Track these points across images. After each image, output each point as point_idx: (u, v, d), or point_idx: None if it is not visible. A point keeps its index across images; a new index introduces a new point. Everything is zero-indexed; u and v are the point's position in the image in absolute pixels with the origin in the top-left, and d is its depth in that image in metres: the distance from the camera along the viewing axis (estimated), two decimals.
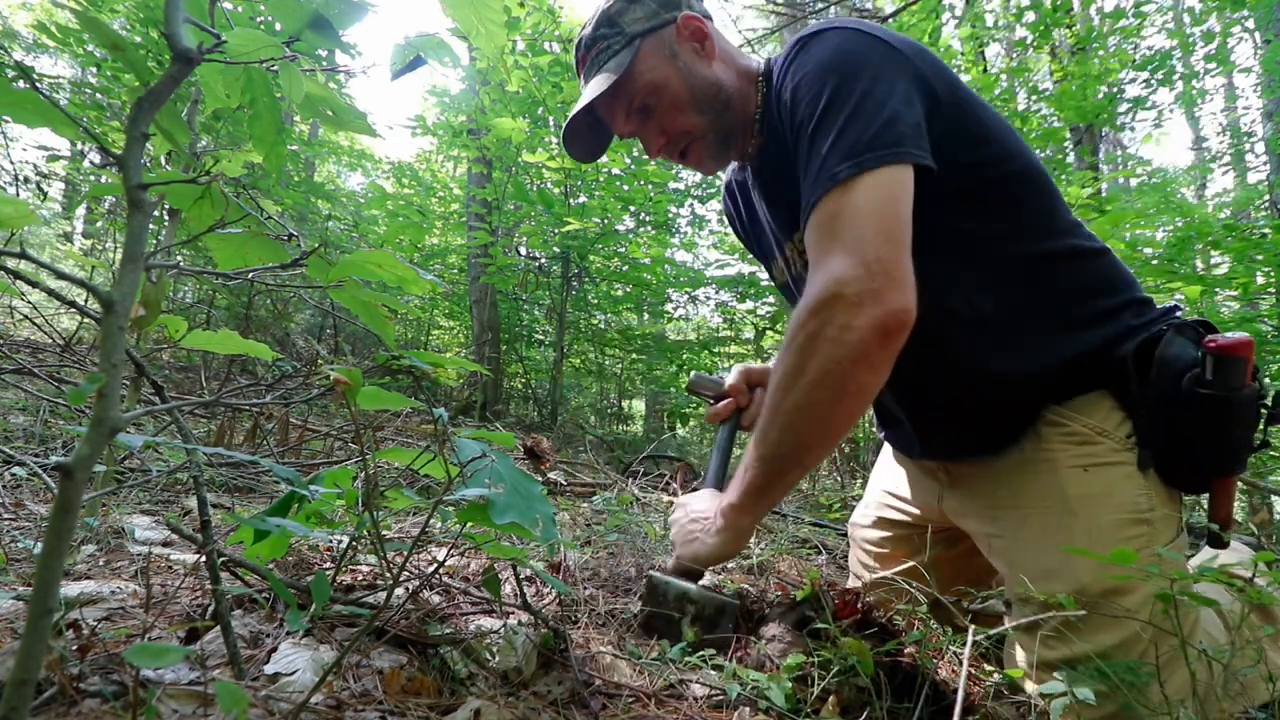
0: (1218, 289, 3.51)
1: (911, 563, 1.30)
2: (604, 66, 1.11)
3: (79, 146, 5.93)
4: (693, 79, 1.10)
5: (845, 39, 0.97)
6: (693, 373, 1.37)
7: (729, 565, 1.41)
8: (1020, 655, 1.01)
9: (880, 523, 1.39)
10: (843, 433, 0.98)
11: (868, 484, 1.50)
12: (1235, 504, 1.00)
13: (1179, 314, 1.07)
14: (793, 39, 1.03)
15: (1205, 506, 1.06)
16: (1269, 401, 0.98)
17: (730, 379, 1.30)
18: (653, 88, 1.10)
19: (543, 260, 5.63)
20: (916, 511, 1.32)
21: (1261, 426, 0.99)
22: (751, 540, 1.76)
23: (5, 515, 1.28)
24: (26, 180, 4.58)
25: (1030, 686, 0.97)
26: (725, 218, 1.44)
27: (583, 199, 5.13)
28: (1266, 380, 1.02)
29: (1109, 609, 0.92)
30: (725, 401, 1.28)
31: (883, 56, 0.95)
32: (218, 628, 0.71)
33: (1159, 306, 1.10)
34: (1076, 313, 1.04)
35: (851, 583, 1.42)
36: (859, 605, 1.02)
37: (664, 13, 1.11)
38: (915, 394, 1.15)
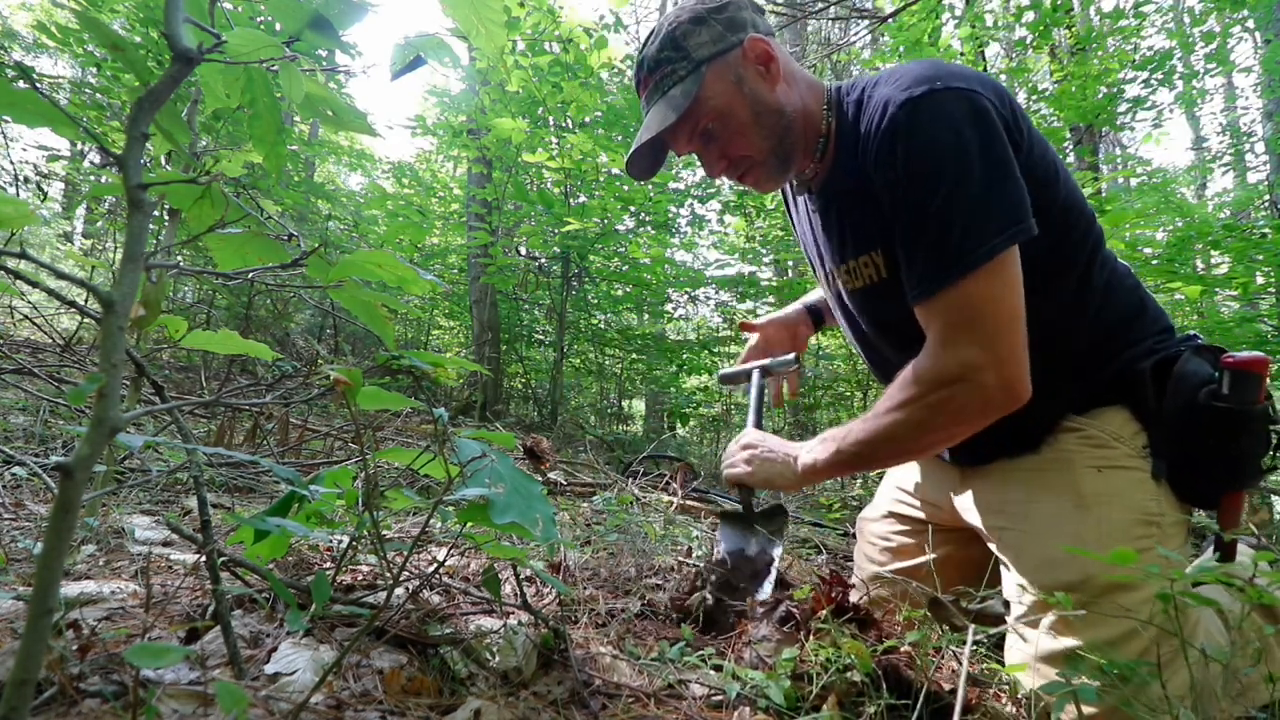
0: (1218, 289, 3.51)
1: (918, 559, 1.31)
2: (668, 93, 1.10)
3: (79, 146, 5.94)
4: (757, 104, 1.10)
5: (955, 114, 0.96)
6: (720, 370, 1.59)
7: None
8: (1022, 647, 1.02)
9: (892, 517, 1.40)
10: (941, 446, 1.14)
11: (883, 480, 1.52)
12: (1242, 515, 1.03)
13: (1198, 340, 1.11)
14: (898, 94, 0.99)
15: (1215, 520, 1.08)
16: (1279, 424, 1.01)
17: (752, 339, 1.54)
18: (717, 114, 1.10)
19: (543, 260, 5.63)
20: (929, 508, 1.34)
21: (1272, 448, 1.02)
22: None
23: (5, 515, 1.28)
24: (26, 180, 4.58)
25: (1028, 680, 0.97)
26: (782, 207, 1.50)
27: (583, 199, 5.13)
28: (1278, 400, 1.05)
29: (1112, 603, 0.93)
30: (759, 342, 1.52)
31: (990, 123, 0.96)
32: (218, 628, 0.71)
33: (1180, 335, 1.14)
34: (1113, 345, 1.09)
35: (856, 578, 1.42)
36: (832, 595, 1.03)
37: (730, 35, 1.09)
38: None
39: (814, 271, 1.35)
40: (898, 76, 1.03)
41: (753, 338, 1.58)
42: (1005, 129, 0.97)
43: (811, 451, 1.16)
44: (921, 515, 1.35)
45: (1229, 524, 1.03)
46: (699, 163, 1.22)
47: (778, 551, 1.22)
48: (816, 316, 1.56)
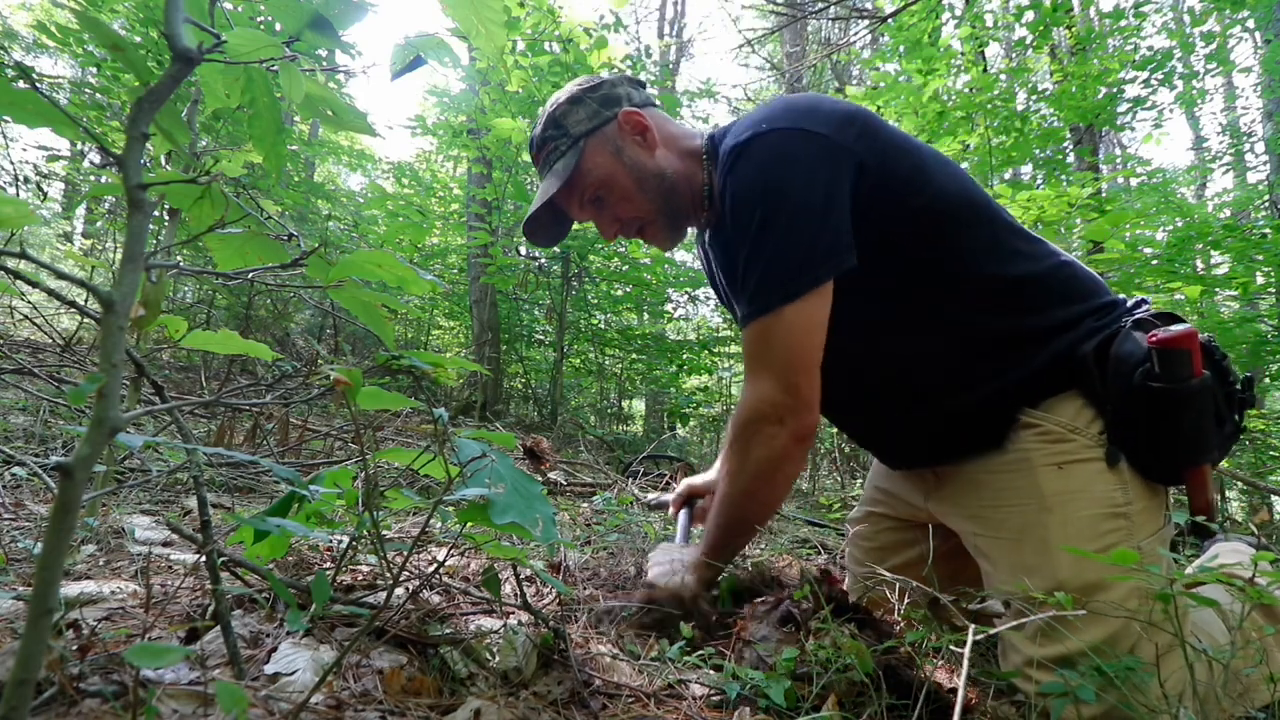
0: (1218, 289, 3.51)
1: (900, 558, 1.32)
2: (554, 167, 1.20)
3: (79, 146, 5.93)
4: (637, 170, 1.18)
5: (772, 149, 1.03)
6: (648, 497, 1.72)
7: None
8: (1012, 655, 1.02)
9: (872, 517, 1.41)
10: (777, 506, 1.25)
11: (866, 481, 1.52)
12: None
13: (1145, 308, 1.09)
14: (731, 140, 1.08)
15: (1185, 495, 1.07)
16: (1238, 387, 1.00)
17: (676, 493, 1.56)
18: (601, 183, 1.19)
19: (543, 260, 5.63)
20: (905, 507, 1.34)
21: (1233, 413, 1.01)
22: (751, 540, 1.78)
23: (5, 515, 1.28)
24: (26, 180, 4.58)
25: (1024, 685, 0.97)
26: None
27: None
28: (1237, 369, 1.03)
29: (1091, 605, 0.92)
30: (675, 500, 1.55)
31: (808, 162, 1.02)
32: (218, 628, 0.71)
33: (1128, 302, 1.12)
34: (1034, 331, 1.08)
35: (848, 580, 1.42)
36: (829, 593, 1.03)
37: (605, 111, 1.19)
38: (888, 427, 1.23)
39: (731, 313, 1.41)
40: (740, 123, 1.12)
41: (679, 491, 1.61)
42: (839, 158, 1.02)
43: (702, 546, 1.19)
44: (898, 514, 1.36)
45: (1199, 499, 1.02)
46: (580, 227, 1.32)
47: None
48: None
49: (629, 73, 5.56)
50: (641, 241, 1.31)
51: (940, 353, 1.09)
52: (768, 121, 1.05)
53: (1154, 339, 0.96)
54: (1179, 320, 1.03)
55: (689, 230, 1.31)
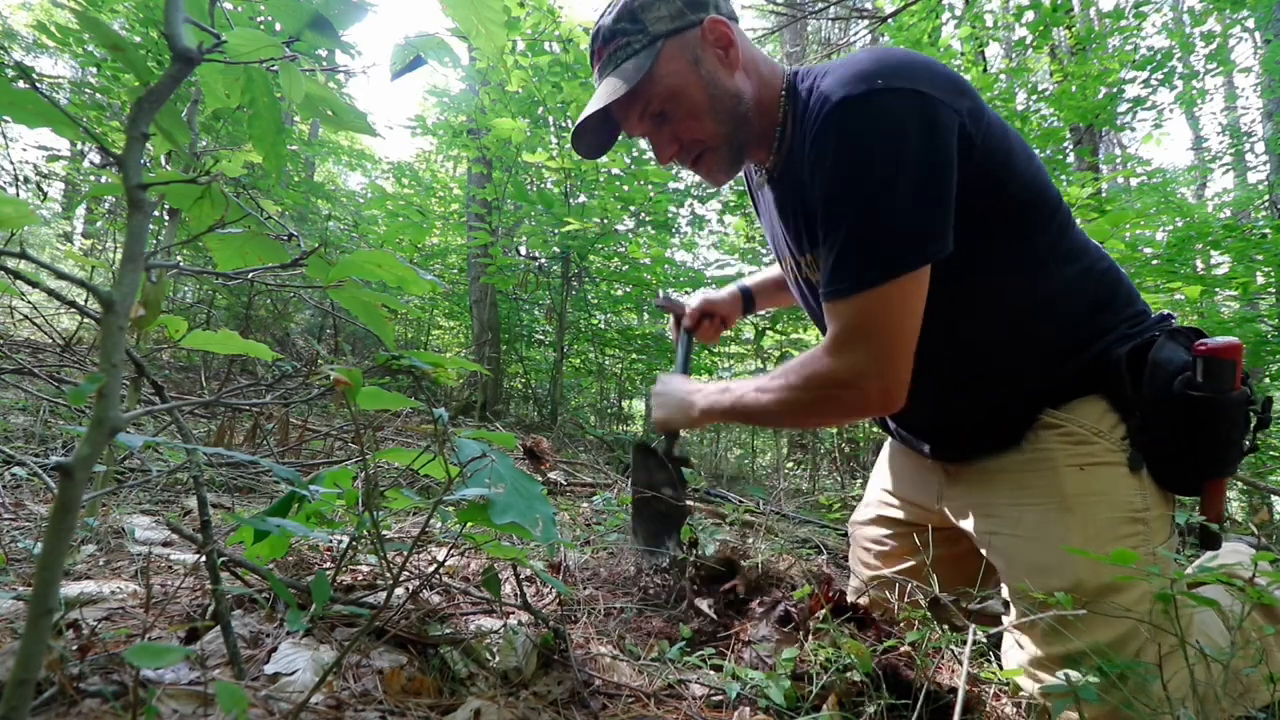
0: (1218, 289, 3.51)
1: (912, 561, 1.31)
2: (621, 65, 1.06)
3: (79, 146, 5.93)
4: (714, 88, 1.06)
5: (890, 112, 0.93)
6: (660, 293, 1.69)
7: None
8: (1018, 652, 1.02)
9: (879, 520, 1.40)
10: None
11: (869, 481, 1.52)
12: (1232, 504, 1.03)
13: (1173, 322, 1.09)
14: (837, 89, 0.96)
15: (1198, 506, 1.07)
16: (1259, 407, 1.00)
17: (691, 303, 1.61)
18: (672, 94, 1.06)
19: (543, 260, 5.63)
20: (916, 510, 1.33)
21: (1251, 430, 1.01)
22: (753, 539, 1.77)
23: (5, 515, 1.28)
24: (26, 180, 4.58)
25: (1027, 684, 0.97)
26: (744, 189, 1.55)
27: (583, 199, 5.13)
28: (1256, 385, 1.04)
29: (1105, 606, 0.93)
30: (691, 315, 1.60)
31: (927, 130, 0.93)
32: (218, 628, 0.71)
33: (1154, 314, 1.12)
34: (1085, 329, 1.07)
35: (852, 581, 1.42)
36: (829, 594, 1.04)
37: (690, 13, 1.05)
38: (925, 410, 1.18)
39: (779, 262, 1.35)
40: (842, 69, 1.00)
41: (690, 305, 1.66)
42: (953, 128, 0.94)
43: (710, 396, 1.23)
44: (910, 518, 1.34)
45: (1213, 511, 1.02)
46: (650, 148, 1.19)
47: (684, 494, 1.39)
48: (748, 300, 1.62)
49: None
50: (691, 170, 1.19)
51: (992, 342, 1.07)
52: (882, 77, 0.94)
53: (1203, 348, 0.97)
54: (1205, 335, 1.04)
55: (743, 168, 1.23)
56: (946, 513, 1.23)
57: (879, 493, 1.42)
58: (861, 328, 0.99)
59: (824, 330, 1.26)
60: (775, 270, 1.59)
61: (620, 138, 1.22)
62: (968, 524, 1.17)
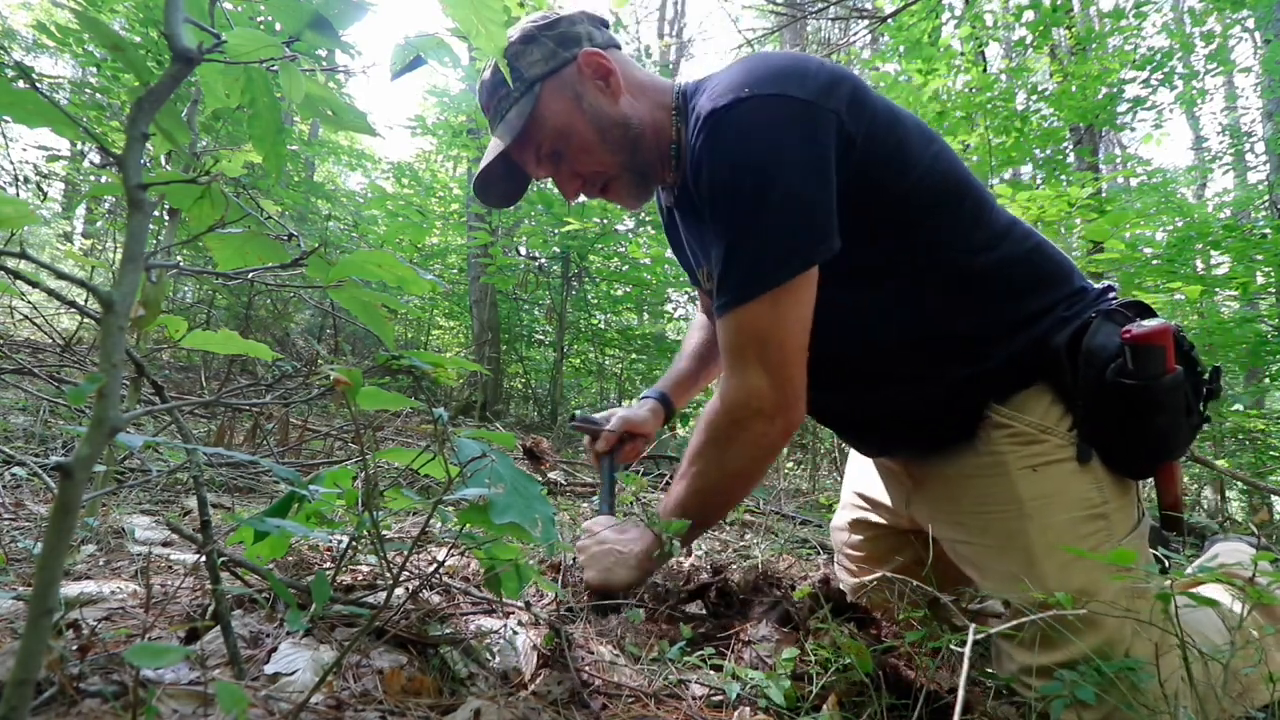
0: (1218, 289, 3.51)
1: (893, 564, 1.30)
2: (506, 116, 1.07)
3: (79, 146, 5.93)
4: (599, 119, 1.07)
5: (757, 122, 0.94)
6: (577, 411, 1.51)
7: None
8: (1006, 662, 1.01)
9: (855, 525, 1.38)
10: (739, 504, 1.21)
11: (843, 484, 1.50)
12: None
13: (1113, 295, 1.06)
14: (707, 103, 0.97)
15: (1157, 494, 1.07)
16: (1206, 378, 0.98)
17: (612, 425, 1.41)
18: (559, 132, 1.07)
19: (543, 260, 5.63)
20: (888, 513, 1.31)
21: (1202, 403, 0.99)
22: (753, 539, 1.77)
23: (5, 515, 1.28)
24: (26, 180, 4.58)
25: (1021, 690, 0.97)
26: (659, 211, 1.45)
27: (583, 199, 5.12)
28: (1200, 355, 1.01)
29: (1084, 608, 0.91)
30: (606, 439, 1.40)
31: (795, 136, 0.93)
32: (218, 628, 0.71)
33: (1095, 288, 1.09)
34: (1010, 318, 1.04)
35: (842, 583, 1.41)
36: (831, 589, 1.04)
37: (562, 51, 1.06)
38: (859, 409, 1.18)
39: (691, 280, 1.33)
40: (714, 82, 1.01)
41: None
42: (828, 128, 0.93)
43: (646, 540, 1.11)
44: (882, 521, 1.33)
45: (1169, 495, 1.02)
46: (555, 188, 1.20)
47: None
48: (668, 408, 1.48)
49: None
50: (606, 202, 1.21)
51: (914, 335, 1.04)
52: (749, 85, 0.94)
53: (1127, 335, 0.93)
54: (1149, 311, 1.01)
55: (656, 189, 1.21)
56: (915, 519, 1.22)
57: (852, 495, 1.41)
58: (748, 344, 0.99)
59: None
60: (683, 363, 1.51)
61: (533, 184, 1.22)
62: (937, 532, 1.15)
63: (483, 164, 1.10)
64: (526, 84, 1.06)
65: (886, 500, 1.30)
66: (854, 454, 1.46)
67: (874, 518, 1.35)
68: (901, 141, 1.00)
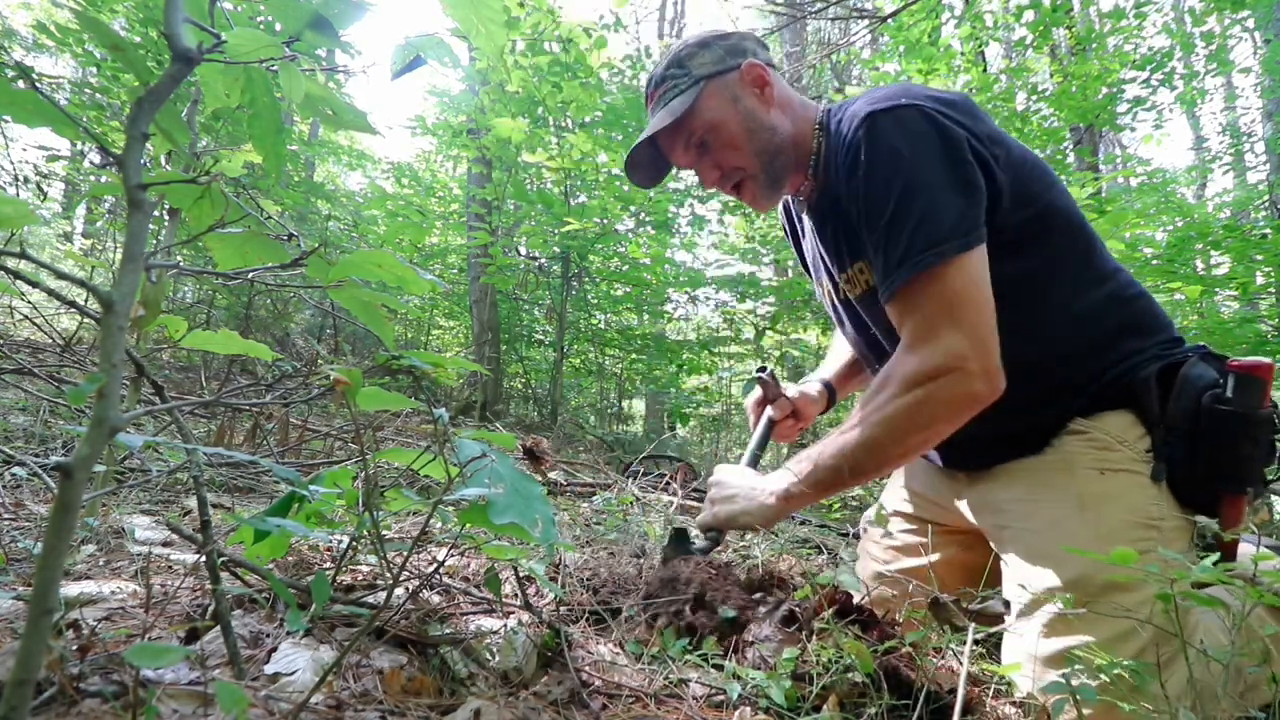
0: (1218, 289, 3.51)
1: (922, 560, 1.31)
2: (668, 103, 1.18)
3: (79, 146, 5.93)
4: (750, 121, 1.18)
5: (913, 124, 1.02)
6: (766, 367, 1.56)
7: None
8: (1016, 644, 1.02)
9: (897, 515, 1.41)
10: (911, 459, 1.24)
11: (886, 485, 1.53)
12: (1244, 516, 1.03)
13: (1205, 349, 1.12)
14: (864, 108, 1.06)
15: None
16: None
17: (790, 392, 1.50)
18: (711, 126, 1.18)
19: (543, 260, 5.63)
20: (935, 508, 1.34)
21: (1273, 452, 1.02)
22: (752, 539, 1.77)
23: (5, 515, 1.28)
24: (26, 180, 4.58)
25: (1024, 682, 0.97)
26: (782, 227, 1.54)
27: (582, 199, 5.13)
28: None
29: (1108, 603, 0.93)
30: (782, 406, 1.48)
31: (956, 142, 1.01)
32: (218, 628, 0.71)
33: (1187, 344, 1.14)
34: (1109, 355, 1.09)
35: (861, 569, 1.42)
36: (835, 595, 1.03)
37: (730, 59, 1.19)
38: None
39: (819, 291, 1.39)
40: (871, 95, 1.10)
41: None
42: (971, 146, 1.02)
43: (783, 479, 1.15)
44: (926, 515, 1.36)
45: (1230, 528, 1.03)
46: (697, 177, 1.29)
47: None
48: (831, 397, 1.56)
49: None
50: (734, 199, 1.29)
51: (1017, 364, 1.05)
52: (905, 97, 1.04)
53: (1235, 364, 1.00)
54: (1228, 359, 1.06)
55: (784, 196, 1.30)
56: (963, 510, 1.24)
57: (899, 489, 1.44)
58: (941, 307, 0.99)
59: (878, 359, 1.28)
60: (841, 354, 1.59)
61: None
62: (983, 519, 1.18)
63: (636, 143, 1.21)
64: (694, 79, 1.18)
65: (936, 495, 1.33)
66: None
67: (918, 512, 1.38)
68: (1038, 173, 1.09)
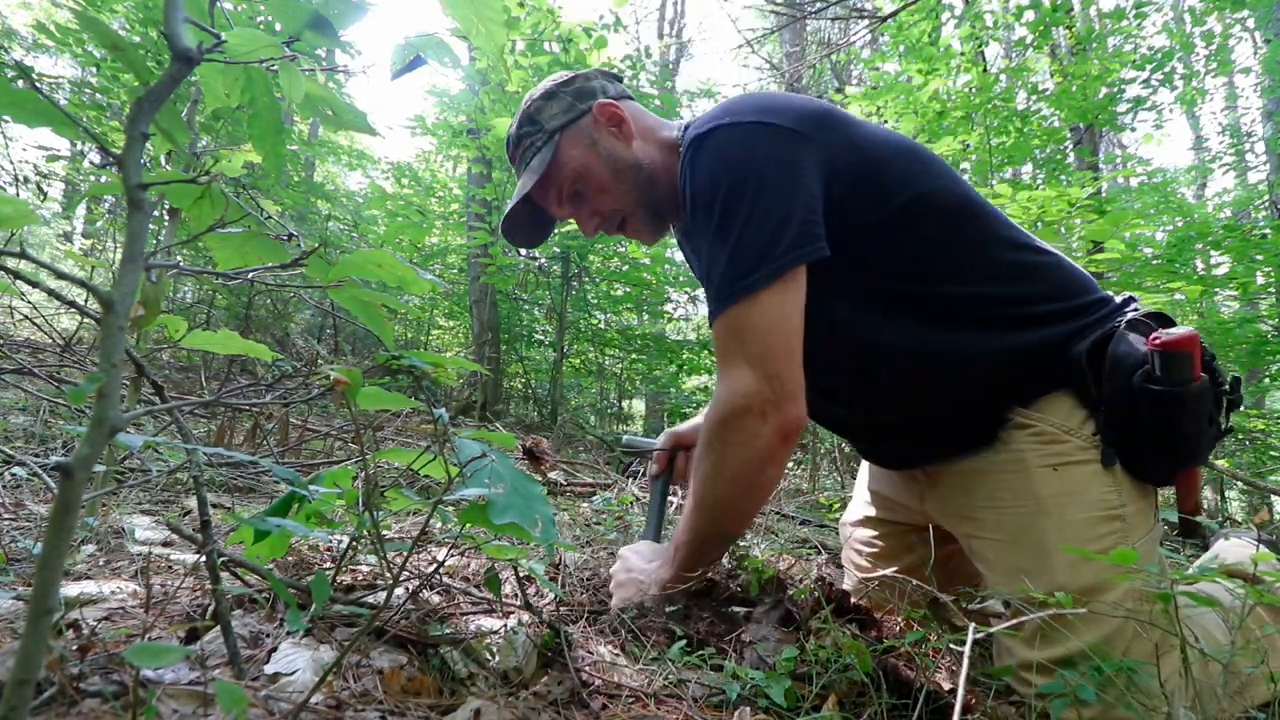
0: (1218, 289, 3.51)
1: (904, 562, 1.31)
2: (530, 163, 1.19)
3: (79, 146, 5.93)
4: (613, 161, 1.17)
5: (733, 141, 1.01)
6: (624, 436, 1.53)
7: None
8: (1006, 656, 1.02)
9: (868, 521, 1.39)
10: (754, 516, 1.17)
11: (856, 481, 1.51)
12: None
13: (1134, 306, 1.08)
14: (690, 135, 1.07)
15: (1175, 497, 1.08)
16: (1227, 388, 0.99)
17: (660, 443, 1.45)
18: (577, 176, 1.18)
19: (543, 260, 5.63)
20: (901, 509, 1.32)
21: (1223, 413, 1.00)
22: (753, 539, 1.77)
23: (5, 515, 1.28)
24: (26, 180, 4.58)
25: (1019, 686, 0.97)
26: None
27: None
28: (1222, 367, 1.03)
29: (1092, 606, 0.92)
30: (658, 459, 1.44)
31: (770, 151, 0.99)
32: (218, 628, 0.71)
33: (1116, 299, 1.11)
34: (1025, 324, 1.06)
35: (847, 581, 1.42)
36: (833, 592, 1.03)
37: (579, 104, 1.18)
38: (875, 425, 1.21)
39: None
40: (700, 119, 1.09)
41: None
42: (807, 150, 0.99)
43: (664, 569, 1.12)
44: (896, 518, 1.34)
45: (1188, 501, 1.03)
46: (578, 228, 1.28)
47: None
48: None
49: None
50: (624, 237, 1.29)
51: (929, 350, 1.06)
52: (730, 115, 1.03)
53: (1156, 341, 0.95)
54: (1169, 320, 1.03)
55: (671, 225, 1.29)
56: (930, 514, 1.23)
57: (865, 492, 1.42)
58: (734, 344, 1.00)
59: None
60: None
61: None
62: (952, 524, 1.17)
63: (509, 206, 1.20)
64: (548, 134, 1.18)
65: (901, 498, 1.31)
66: None
67: (888, 515, 1.36)
68: (907, 165, 1.06)
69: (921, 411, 1.12)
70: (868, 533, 1.39)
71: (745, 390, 0.99)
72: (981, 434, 1.08)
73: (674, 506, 1.88)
